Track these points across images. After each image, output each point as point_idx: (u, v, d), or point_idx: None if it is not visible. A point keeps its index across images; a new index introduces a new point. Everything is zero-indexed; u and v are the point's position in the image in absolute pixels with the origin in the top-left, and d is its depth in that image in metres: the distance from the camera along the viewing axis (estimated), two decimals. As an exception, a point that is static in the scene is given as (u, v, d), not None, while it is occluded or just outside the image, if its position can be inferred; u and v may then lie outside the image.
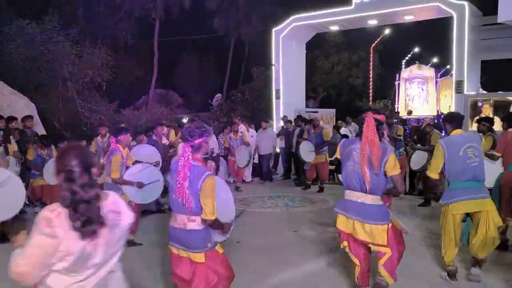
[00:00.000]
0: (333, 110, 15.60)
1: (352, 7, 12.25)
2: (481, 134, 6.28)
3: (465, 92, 10.92)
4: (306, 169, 10.13)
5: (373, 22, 13.32)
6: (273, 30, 14.00)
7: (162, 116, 17.74)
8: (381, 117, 3.84)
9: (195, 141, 3.14)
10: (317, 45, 24.35)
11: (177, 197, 3.12)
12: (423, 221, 6.93)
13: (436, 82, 19.54)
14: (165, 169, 7.61)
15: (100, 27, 22.26)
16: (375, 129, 3.66)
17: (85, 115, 14.77)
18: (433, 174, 4.44)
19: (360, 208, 3.72)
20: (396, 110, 19.38)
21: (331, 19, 13.09)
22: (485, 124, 6.47)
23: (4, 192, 4.68)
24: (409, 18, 12.76)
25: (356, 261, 3.92)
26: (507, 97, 10.91)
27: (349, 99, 27.57)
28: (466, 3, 10.79)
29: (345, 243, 3.92)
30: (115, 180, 5.51)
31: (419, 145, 8.45)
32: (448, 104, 16.42)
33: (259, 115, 17.63)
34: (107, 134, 8.25)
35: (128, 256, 5.34)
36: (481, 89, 13.64)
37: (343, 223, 3.86)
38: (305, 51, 15.16)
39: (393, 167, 3.68)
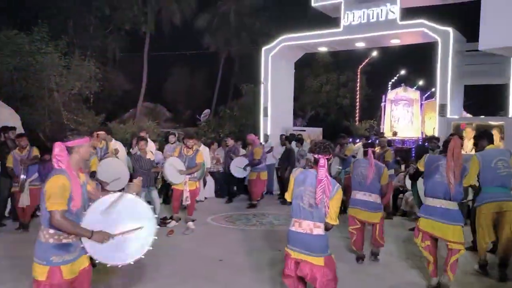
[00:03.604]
0: (320, 129, 15.78)
1: (341, 29, 12.46)
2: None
3: (448, 116, 11.12)
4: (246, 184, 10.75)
5: (360, 45, 13.55)
6: (263, 48, 14.15)
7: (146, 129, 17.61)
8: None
9: (327, 156, 3.63)
10: (306, 64, 24.62)
11: (308, 203, 3.60)
12: (403, 243, 6.99)
13: (421, 104, 19.86)
14: (148, 183, 7.58)
15: (89, 39, 22.27)
16: (460, 148, 4.45)
17: (70, 127, 14.66)
18: (469, 182, 5.18)
19: (445, 213, 4.52)
20: (381, 131, 19.60)
21: (320, 40, 13.29)
22: (435, 142, 8.02)
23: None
24: (395, 42, 13.02)
25: (431, 258, 4.71)
26: (489, 121, 11.16)
27: (336, 119, 27.85)
28: (450, 29, 11.07)
29: (427, 242, 4.67)
30: None
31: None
32: (433, 126, 16.68)
33: (247, 132, 17.67)
34: (28, 145, 7.69)
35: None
36: (465, 112, 13.90)
37: (427, 225, 4.63)
38: (294, 70, 15.34)
39: (467, 180, 4.67)
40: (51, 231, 3.06)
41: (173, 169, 7.49)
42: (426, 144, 5.44)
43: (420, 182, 5.42)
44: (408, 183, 8.03)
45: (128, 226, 3.21)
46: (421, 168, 4.83)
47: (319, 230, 3.61)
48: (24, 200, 7.52)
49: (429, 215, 4.60)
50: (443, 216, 4.50)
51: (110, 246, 3.15)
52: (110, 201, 3.22)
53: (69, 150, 3.13)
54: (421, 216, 4.70)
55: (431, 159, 4.80)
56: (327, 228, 3.64)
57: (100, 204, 3.22)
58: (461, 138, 4.74)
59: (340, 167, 9.34)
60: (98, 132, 7.98)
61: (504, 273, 5.21)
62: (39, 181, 7.66)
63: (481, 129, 10.90)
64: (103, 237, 3.10)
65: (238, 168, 10.29)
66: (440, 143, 8.60)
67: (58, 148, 3.09)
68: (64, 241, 3.08)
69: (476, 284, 5.08)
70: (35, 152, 7.74)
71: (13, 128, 8.35)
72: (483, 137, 5.51)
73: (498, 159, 5.21)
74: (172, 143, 10.42)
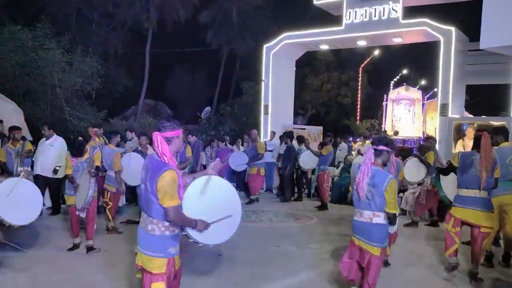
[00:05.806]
0: (320, 128, 15.79)
1: (343, 27, 12.49)
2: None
3: (450, 115, 11.13)
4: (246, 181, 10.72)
5: (362, 43, 13.58)
6: (264, 46, 14.18)
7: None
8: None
9: (378, 147, 3.86)
10: (308, 63, 24.63)
11: (362, 195, 3.85)
12: (400, 240, 7.00)
13: (423, 104, 19.82)
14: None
15: (92, 35, 22.30)
16: (490, 144, 4.89)
17: (72, 123, 14.69)
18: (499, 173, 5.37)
19: (479, 201, 4.93)
20: (383, 130, 19.58)
21: (321, 38, 13.32)
22: (432, 142, 8.10)
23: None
24: (397, 41, 13.03)
25: (458, 241, 5.09)
26: (490, 121, 11.16)
27: (337, 117, 27.85)
28: (453, 29, 11.08)
29: (458, 228, 5.05)
30: (67, 176, 6.02)
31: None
32: (434, 126, 16.66)
33: (247, 130, 17.69)
34: (21, 140, 7.72)
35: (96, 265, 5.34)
36: (466, 112, 13.85)
37: (460, 212, 5.04)
38: (295, 68, 15.35)
39: (498, 172, 4.99)
40: (166, 223, 3.10)
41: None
42: (492, 132, 5.64)
43: (443, 178, 5.79)
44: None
45: (220, 211, 3.48)
46: (455, 164, 5.19)
47: (379, 219, 3.84)
48: None
49: (464, 204, 5.02)
50: (478, 204, 4.93)
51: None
52: (200, 186, 3.40)
53: (168, 141, 3.14)
54: (456, 205, 5.11)
55: (465, 155, 5.17)
56: (389, 217, 3.84)
57: (192, 190, 3.37)
58: (488, 132, 5.09)
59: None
60: (94, 129, 8.05)
61: (508, 263, 5.65)
62: (31, 174, 7.66)
63: (483, 128, 10.92)
64: (203, 226, 3.27)
65: (238, 165, 10.31)
66: (435, 142, 8.64)
67: (159, 138, 3.09)
68: (176, 231, 3.19)
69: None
70: (29, 146, 7.83)
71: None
72: (499, 133, 5.73)
73: None
74: (129, 139, 10.04)
